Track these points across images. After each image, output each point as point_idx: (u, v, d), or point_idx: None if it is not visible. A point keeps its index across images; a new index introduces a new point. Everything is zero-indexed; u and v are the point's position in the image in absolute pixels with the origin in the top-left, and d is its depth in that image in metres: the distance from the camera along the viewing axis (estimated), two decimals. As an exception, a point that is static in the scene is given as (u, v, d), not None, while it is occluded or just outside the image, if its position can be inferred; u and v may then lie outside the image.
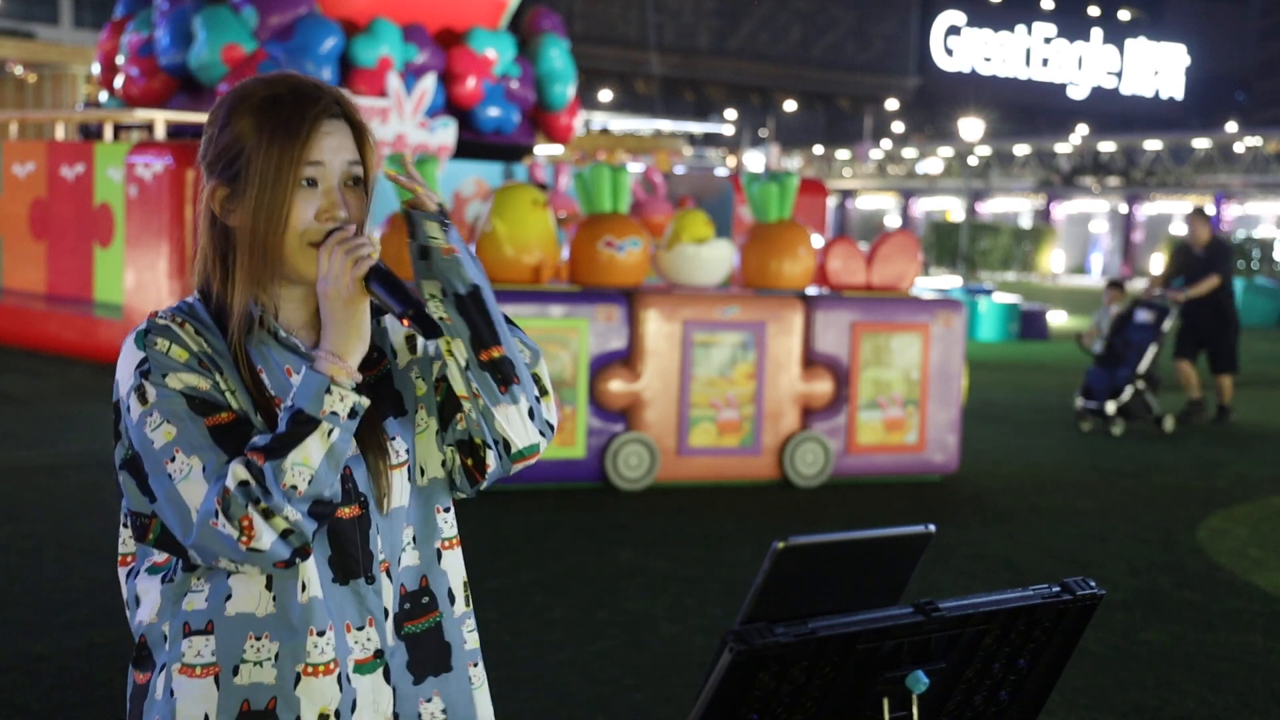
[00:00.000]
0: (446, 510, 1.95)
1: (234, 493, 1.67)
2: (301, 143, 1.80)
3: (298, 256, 1.81)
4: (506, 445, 1.87)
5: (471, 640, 1.96)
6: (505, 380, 1.84)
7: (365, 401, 1.76)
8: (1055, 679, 1.93)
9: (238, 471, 1.68)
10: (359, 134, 1.86)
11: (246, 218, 1.80)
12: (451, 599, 1.93)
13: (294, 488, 1.68)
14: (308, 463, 1.69)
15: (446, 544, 1.94)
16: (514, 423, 1.86)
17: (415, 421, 1.92)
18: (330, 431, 1.71)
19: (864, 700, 1.76)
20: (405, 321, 1.75)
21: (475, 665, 1.96)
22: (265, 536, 1.67)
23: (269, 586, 1.78)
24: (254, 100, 1.83)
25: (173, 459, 1.71)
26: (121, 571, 1.88)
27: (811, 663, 1.68)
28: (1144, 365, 11.21)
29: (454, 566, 1.94)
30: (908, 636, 1.74)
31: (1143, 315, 11.45)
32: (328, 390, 1.72)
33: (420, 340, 1.97)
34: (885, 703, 1.76)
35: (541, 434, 1.89)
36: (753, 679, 1.65)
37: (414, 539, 1.90)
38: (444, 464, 1.95)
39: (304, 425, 1.70)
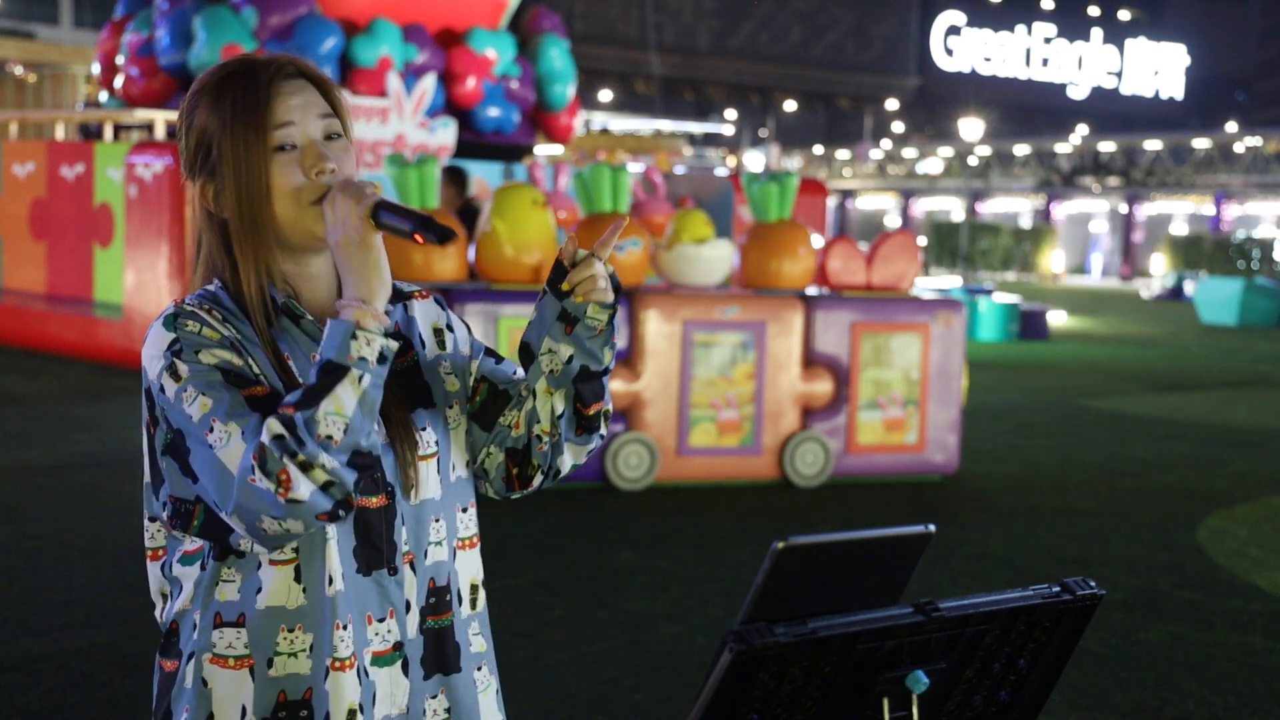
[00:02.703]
0: (466, 510, 1.94)
1: (269, 446, 1.63)
2: (264, 110, 1.76)
3: (304, 218, 1.78)
4: (557, 473, 1.94)
5: (477, 643, 1.93)
6: (594, 428, 1.91)
7: (394, 345, 1.71)
8: (1055, 679, 1.93)
9: (272, 426, 1.64)
10: (326, 91, 1.83)
11: (233, 201, 1.78)
12: (459, 599, 1.91)
13: (329, 438, 1.64)
14: (340, 411, 1.65)
15: (462, 543, 1.93)
16: (579, 458, 1.94)
17: (448, 418, 1.91)
18: (361, 377, 1.67)
19: (864, 700, 1.76)
20: (418, 238, 1.71)
21: (480, 669, 1.93)
22: (303, 487, 1.63)
23: (298, 579, 1.76)
24: (208, 87, 1.80)
25: (211, 429, 1.69)
26: (153, 565, 1.85)
27: (811, 663, 1.68)
28: None
29: (466, 567, 1.93)
30: (908, 636, 1.74)
31: None
32: (353, 336, 1.68)
33: (450, 335, 1.95)
34: (885, 703, 1.76)
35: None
36: (753, 679, 1.65)
37: (444, 534, 1.89)
38: (470, 464, 1.95)
39: (333, 374, 1.66)
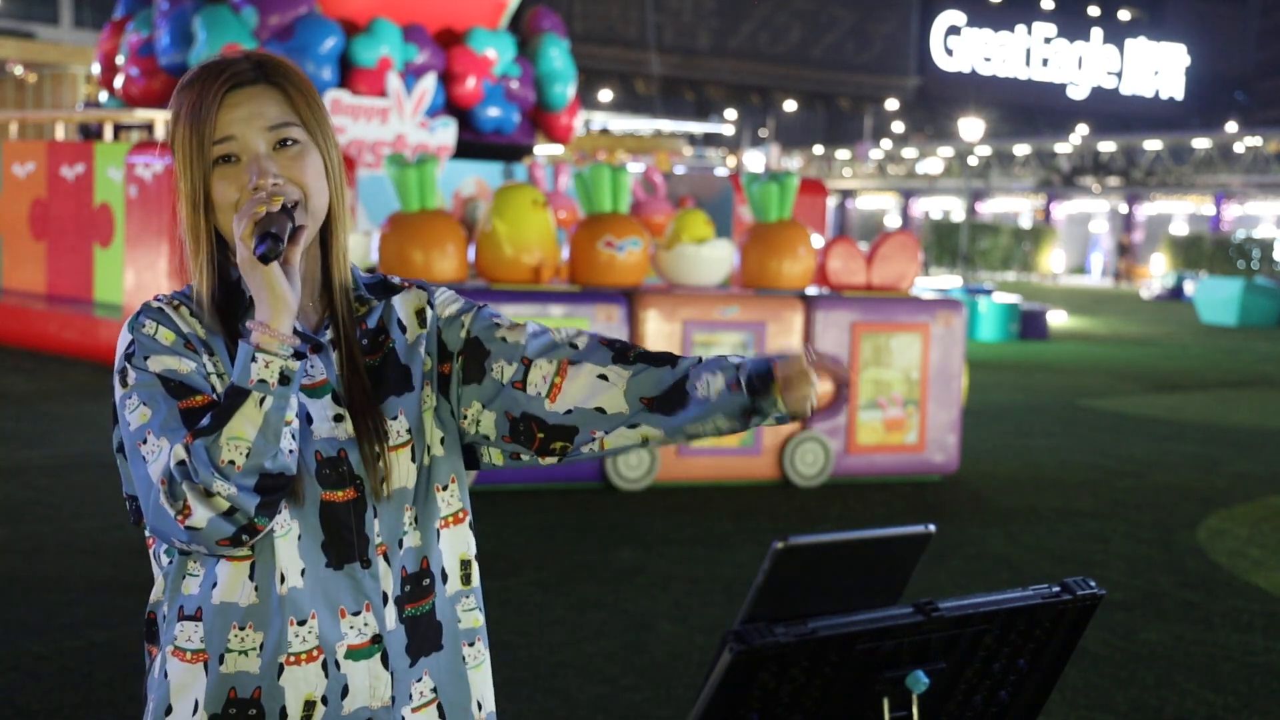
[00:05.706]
0: (445, 488, 1.90)
1: (174, 471, 1.64)
2: (207, 122, 1.75)
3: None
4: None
5: (468, 619, 1.90)
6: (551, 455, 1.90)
7: (294, 365, 1.69)
8: (1055, 679, 1.93)
9: (178, 451, 1.65)
10: (290, 93, 1.79)
11: (181, 206, 1.79)
12: (445, 578, 1.88)
13: (231, 463, 1.64)
14: (242, 435, 1.64)
15: (445, 521, 1.89)
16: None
17: (422, 399, 1.87)
18: (262, 400, 1.66)
19: (864, 700, 1.76)
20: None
21: (471, 645, 1.91)
22: (200, 513, 1.64)
23: (251, 576, 1.76)
24: (181, 89, 1.80)
25: (145, 441, 1.69)
26: (151, 550, 1.87)
27: (811, 663, 1.68)
28: None
29: (451, 544, 1.90)
30: (908, 636, 1.74)
31: None
32: (253, 359, 1.67)
33: (430, 311, 1.90)
34: (885, 703, 1.76)
35: None
36: (753, 679, 1.65)
37: (415, 520, 1.85)
38: (448, 440, 1.89)
39: (235, 398, 1.66)
